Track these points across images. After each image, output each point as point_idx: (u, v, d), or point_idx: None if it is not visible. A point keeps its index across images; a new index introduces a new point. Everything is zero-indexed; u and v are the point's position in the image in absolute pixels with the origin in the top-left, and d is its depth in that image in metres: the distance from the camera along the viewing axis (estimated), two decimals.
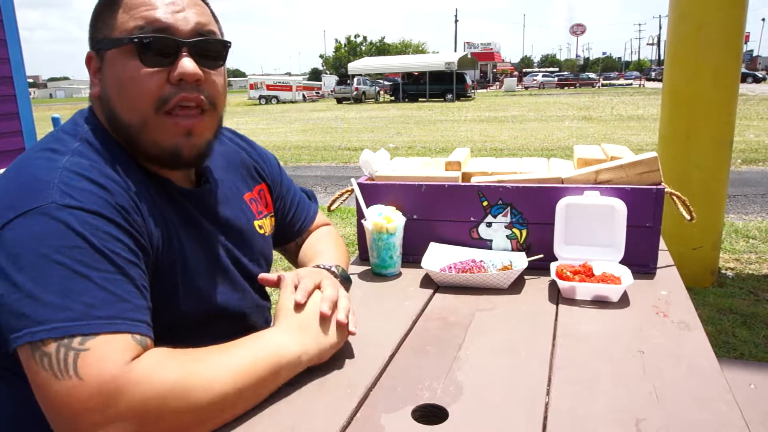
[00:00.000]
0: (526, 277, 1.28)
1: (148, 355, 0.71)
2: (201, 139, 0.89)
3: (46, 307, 0.68)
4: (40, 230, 0.72)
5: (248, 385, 0.75)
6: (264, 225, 1.14)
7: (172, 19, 0.84)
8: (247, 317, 1.07)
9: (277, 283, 0.95)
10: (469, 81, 32.61)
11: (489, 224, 1.35)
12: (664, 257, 1.34)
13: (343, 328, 0.90)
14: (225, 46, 0.91)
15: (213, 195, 1.01)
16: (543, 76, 51.95)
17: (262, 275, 1.00)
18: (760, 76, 42.76)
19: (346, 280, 1.14)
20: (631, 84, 47.35)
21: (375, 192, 1.39)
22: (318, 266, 1.08)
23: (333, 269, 1.08)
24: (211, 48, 0.88)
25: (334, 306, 0.91)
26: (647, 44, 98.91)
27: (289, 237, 1.26)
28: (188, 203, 0.95)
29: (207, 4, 0.92)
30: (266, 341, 0.82)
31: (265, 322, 1.11)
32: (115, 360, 0.67)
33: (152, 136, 0.86)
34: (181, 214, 0.94)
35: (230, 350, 0.78)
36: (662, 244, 1.33)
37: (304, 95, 38.00)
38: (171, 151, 0.87)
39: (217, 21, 0.93)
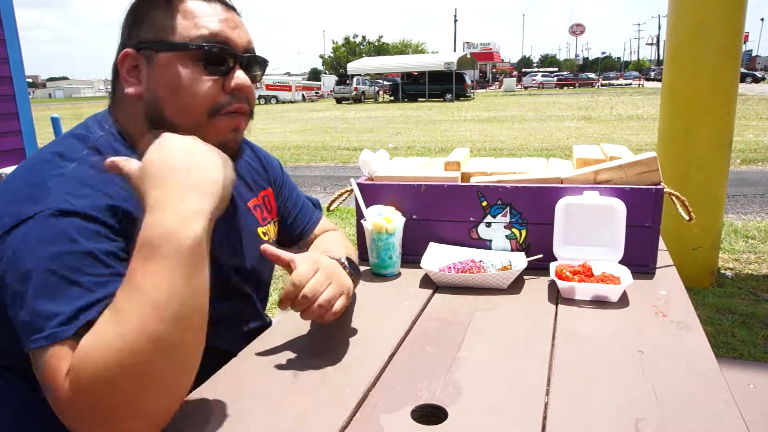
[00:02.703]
0: (525, 277, 1.28)
1: (75, 354, 0.66)
2: (242, 135, 0.95)
3: (42, 315, 0.69)
4: (34, 238, 0.73)
5: (172, 311, 0.66)
6: (268, 231, 1.14)
7: (232, 34, 0.90)
8: (248, 323, 1.07)
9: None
10: (468, 81, 32.58)
11: (488, 224, 1.35)
12: (663, 257, 1.34)
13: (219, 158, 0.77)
14: (266, 63, 0.98)
15: None
16: (542, 76, 51.93)
17: (265, 247, 0.92)
18: (759, 76, 42.78)
19: (355, 271, 1.09)
20: (630, 84, 47.35)
21: (374, 192, 1.39)
22: (331, 257, 1.00)
23: (343, 261, 1.03)
24: (257, 64, 0.95)
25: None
26: (646, 44, 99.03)
27: (291, 241, 1.25)
28: None
29: None
30: (157, 251, 0.67)
31: (264, 327, 1.11)
32: (58, 370, 0.66)
33: (204, 137, 0.85)
34: None
35: (135, 278, 0.66)
36: (661, 244, 1.33)
37: (303, 95, 38.00)
38: (218, 146, 0.86)
39: None
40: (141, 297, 0.65)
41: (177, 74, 0.86)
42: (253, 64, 0.94)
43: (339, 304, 0.91)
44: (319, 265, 0.91)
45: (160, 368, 0.66)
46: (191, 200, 0.69)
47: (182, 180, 0.70)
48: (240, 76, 0.89)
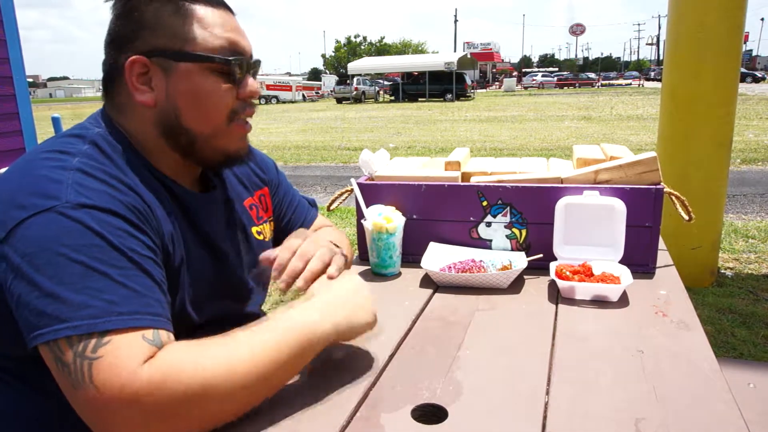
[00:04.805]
0: (525, 276, 1.28)
1: (162, 354, 0.69)
2: (248, 140, 0.99)
3: (67, 304, 0.68)
4: (56, 229, 0.71)
5: (272, 371, 0.75)
6: (263, 230, 1.13)
7: (243, 42, 0.92)
8: (246, 322, 1.07)
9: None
10: (468, 81, 32.60)
11: (489, 224, 1.35)
12: (663, 257, 1.34)
13: (374, 308, 0.91)
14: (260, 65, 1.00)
15: (219, 200, 1.02)
16: (542, 76, 51.98)
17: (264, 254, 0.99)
18: (760, 75, 42.75)
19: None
20: (630, 84, 47.37)
21: (375, 192, 1.39)
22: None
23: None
24: (258, 69, 0.98)
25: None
26: (646, 44, 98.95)
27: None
28: (195, 208, 0.96)
29: None
30: (294, 321, 0.81)
31: None
32: (125, 365, 0.66)
33: (221, 143, 0.92)
34: (188, 219, 0.94)
35: (254, 336, 0.77)
36: (661, 244, 1.33)
37: (303, 95, 38.08)
38: (235, 154, 0.94)
39: None
40: (262, 340, 0.76)
41: (199, 84, 0.87)
42: (258, 69, 0.96)
43: (337, 261, 0.97)
44: (306, 235, 1.02)
45: (232, 406, 0.73)
46: (337, 315, 0.85)
47: (339, 302, 0.87)
48: (252, 84, 0.92)
